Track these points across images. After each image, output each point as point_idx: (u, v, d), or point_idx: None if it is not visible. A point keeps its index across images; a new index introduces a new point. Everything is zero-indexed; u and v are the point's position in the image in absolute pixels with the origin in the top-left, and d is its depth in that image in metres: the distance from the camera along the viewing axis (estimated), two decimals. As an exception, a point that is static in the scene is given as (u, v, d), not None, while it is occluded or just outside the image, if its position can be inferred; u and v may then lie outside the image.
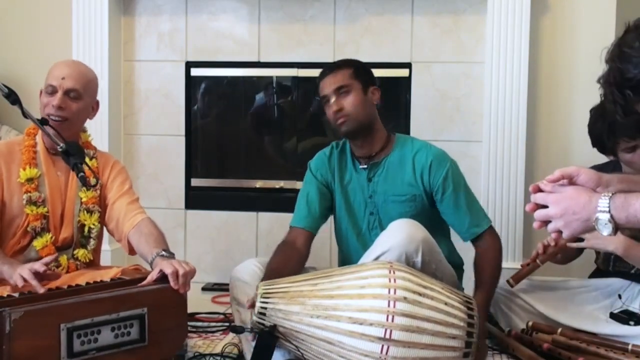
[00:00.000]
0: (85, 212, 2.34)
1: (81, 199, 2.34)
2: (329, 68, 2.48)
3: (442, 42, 3.29)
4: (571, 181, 1.50)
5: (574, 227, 1.43)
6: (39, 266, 2.01)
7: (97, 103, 2.42)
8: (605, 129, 2.48)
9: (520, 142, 3.16)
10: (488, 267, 2.40)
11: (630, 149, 2.45)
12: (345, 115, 2.40)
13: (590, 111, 2.60)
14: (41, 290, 1.97)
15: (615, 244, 2.30)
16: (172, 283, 2.01)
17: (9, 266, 2.08)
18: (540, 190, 1.52)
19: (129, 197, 2.38)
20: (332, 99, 2.41)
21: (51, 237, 2.28)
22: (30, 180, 2.27)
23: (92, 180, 2.17)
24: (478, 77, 3.24)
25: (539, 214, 1.49)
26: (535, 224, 1.50)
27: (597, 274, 2.69)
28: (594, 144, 2.59)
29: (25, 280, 1.99)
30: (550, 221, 1.47)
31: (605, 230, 1.39)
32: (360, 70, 2.45)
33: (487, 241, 2.44)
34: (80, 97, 2.31)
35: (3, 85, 2.11)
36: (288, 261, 2.33)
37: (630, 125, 2.42)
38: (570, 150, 3.23)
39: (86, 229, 2.35)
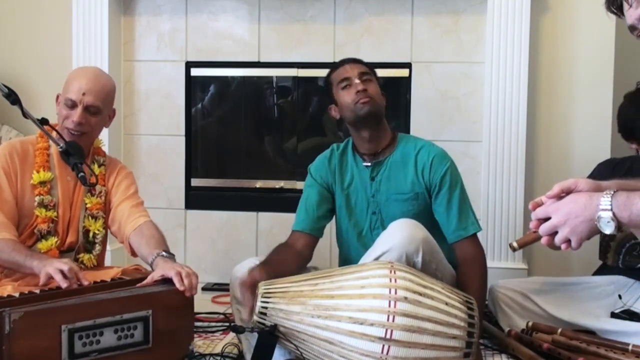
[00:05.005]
0: (89, 217, 2.34)
1: (86, 204, 2.34)
2: (350, 58, 2.55)
3: (442, 42, 3.28)
4: (570, 193, 1.48)
5: (580, 231, 1.40)
6: (64, 266, 2.01)
7: (114, 111, 2.44)
8: (638, 116, 2.46)
9: (520, 142, 3.16)
10: (473, 285, 2.29)
11: None
12: (370, 97, 2.42)
13: (625, 96, 2.58)
14: (64, 285, 1.97)
15: None
16: (177, 285, 2.00)
17: (39, 261, 2.09)
18: (539, 205, 1.49)
19: (133, 201, 2.38)
20: (356, 80, 2.44)
21: (56, 241, 2.28)
22: (43, 183, 2.28)
23: (93, 180, 2.18)
24: (478, 77, 3.24)
25: (544, 227, 1.45)
26: (543, 240, 1.46)
27: (601, 271, 2.68)
28: (620, 129, 2.57)
29: (50, 277, 2.00)
30: (557, 233, 1.43)
31: (608, 228, 1.38)
32: (374, 72, 2.53)
33: (471, 249, 2.37)
34: (99, 112, 2.33)
35: (3, 85, 2.12)
36: (286, 257, 2.33)
37: None
38: (571, 150, 3.23)
39: (91, 234, 2.35)
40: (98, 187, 2.34)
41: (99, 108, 2.31)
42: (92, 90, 2.29)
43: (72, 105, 2.28)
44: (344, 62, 2.53)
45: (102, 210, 2.37)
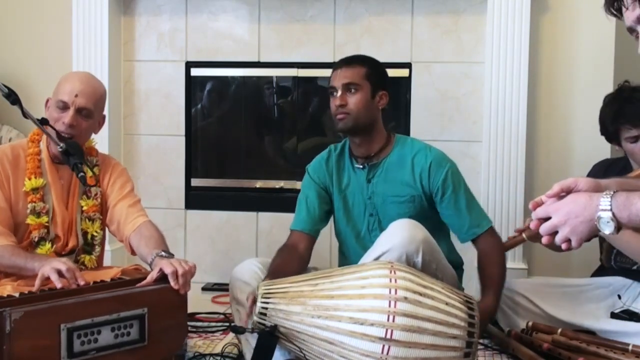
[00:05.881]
0: (86, 220, 2.34)
1: (82, 207, 2.34)
2: (345, 60, 2.48)
3: (442, 42, 3.29)
4: (570, 193, 1.48)
5: (580, 231, 1.40)
6: (62, 266, 2.01)
7: (104, 118, 2.42)
8: (610, 114, 2.47)
9: (520, 142, 3.16)
10: (494, 269, 2.39)
11: (633, 138, 2.44)
12: (346, 113, 2.40)
13: (604, 98, 2.59)
14: (59, 285, 1.97)
15: None
16: (172, 283, 2.02)
17: (39, 262, 2.09)
18: (539, 205, 1.50)
19: (130, 200, 2.38)
20: (339, 93, 2.41)
21: (50, 248, 2.27)
22: (35, 190, 2.26)
23: (92, 181, 2.18)
24: (478, 77, 3.24)
25: (544, 227, 1.45)
26: (544, 240, 1.46)
27: (599, 272, 2.69)
28: (601, 131, 2.58)
29: (46, 278, 2.00)
30: (557, 232, 1.43)
31: (608, 229, 1.38)
32: (374, 73, 2.44)
33: (489, 242, 2.42)
34: (91, 115, 2.30)
35: (3, 85, 2.11)
36: (289, 264, 2.32)
37: (633, 113, 2.41)
38: (570, 150, 3.23)
39: (89, 236, 2.35)
40: (93, 189, 2.33)
41: (91, 111, 2.29)
42: (84, 92, 2.27)
43: (64, 107, 2.25)
44: (338, 65, 2.47)
45: (99, 211, 2.37)
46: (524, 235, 2.39)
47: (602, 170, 2.56)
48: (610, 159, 2.73)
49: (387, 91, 2.48)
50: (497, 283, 2.38)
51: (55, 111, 2.28)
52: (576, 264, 3.12)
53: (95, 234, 2.35)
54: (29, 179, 2.27)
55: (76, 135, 2.27)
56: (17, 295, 1.92)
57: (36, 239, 2.26)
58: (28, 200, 2.26)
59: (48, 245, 2.27)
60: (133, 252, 2.34)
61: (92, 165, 2.37)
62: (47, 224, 2.27)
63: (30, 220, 2.25)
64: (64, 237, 2.31)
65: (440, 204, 2.43)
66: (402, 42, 3.32)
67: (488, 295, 2.33)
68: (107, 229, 2.45)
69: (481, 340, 2.09)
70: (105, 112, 2.45)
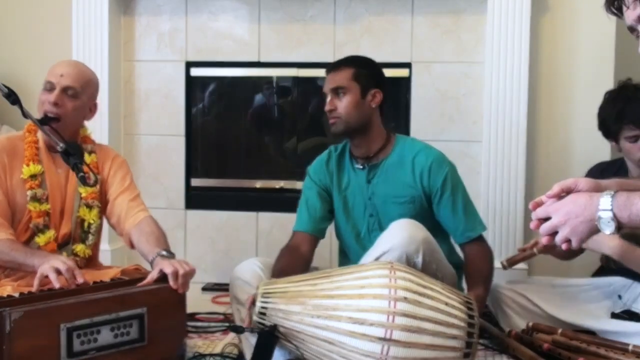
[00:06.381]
0: (84, 207, 2.33)
1: (81, 194, 2.33)
2: (333, 65, 2.51)
3: (442, 42, 3.28)
4: (570, 193, 1.48)
5: (580, 231, 1.41)
6: (61, 265, 2.01)
7: (95, 105, 2.41)
8: (613, 112, 2.47)
9: (520, 142, 3.16)
10: (484, 265, 2.41)
11: (633, 138, 2.44)
12: (336, 117, 2.43)
13: (605, 94, 2.59)
14: (57, 285, 1.96)
15: (612, 248, 2.29)
16: (171, 283, 2.02)
17: (39, 259, 2.09)
18: (539, 205, 1.50)
19: (130, 193, 2.38)
20: (328, 98, 2.44)
21: (54, 234, 2.27)
22: (34, 176, 2.27)
23: (92, 179, 2.17)
24: (478, 77, 3.24)
25: (544, 227, 1.45)
26: (544, 239, 1.47)
27: (600, 272, 2.69)
28: (600, 127, 2.58)
29: (45, 277, 2.00)
30: (557, 232, 1.44)
31: (608, 229, 1.38)
32: (362, 72, 2.45)
33: (478, 247, 2.44)
34: (77, 95, 2.29)
35: (3, 85, 2.11)
36: (293, 265, 2.32)
37: (636, 113, 2.41)
38: (571, 150, 3.23)
39: (85, 224, 2.34)
40: (92, 175, 2.32)
41: (77, 91, 2.29)
42: (70, 73, 2.29)
43: (51, 87, 2.27)
44: (327, 70, 2.49)
45: (98, 199, 2.36)
46: (535, 250, 2.41)
47: (598, 173, 2.56)
48: (606, 162, 2.73)
49: (380, 89, 2.47)
50: (487, 277, 2.40)
51: (43, 95, 2.29)
52: (576, 264, 3.11)
53: (91, 221, 2.34)
54: (27, 165, 2.27)
55: (62, 115, 2.26)
56: (16, 295, 1.92)
57: (40, 226, 2.25)
58: (27, 186, 2.26)
59: (51, 232, 2.26)
60: (132, 246, 2.33)
61: (88, 152, 2.36)
62: (49, 211, 2.27)
63: (32, 206, 2.25)
64: (56, 226, 2.30)
65: (437, 205, 2.43)
66: (402, 42, 3.32)
67: (478, 287, 2.34)
68: (106, 221, 2.43)
69: (481, 340, 2.09)
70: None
